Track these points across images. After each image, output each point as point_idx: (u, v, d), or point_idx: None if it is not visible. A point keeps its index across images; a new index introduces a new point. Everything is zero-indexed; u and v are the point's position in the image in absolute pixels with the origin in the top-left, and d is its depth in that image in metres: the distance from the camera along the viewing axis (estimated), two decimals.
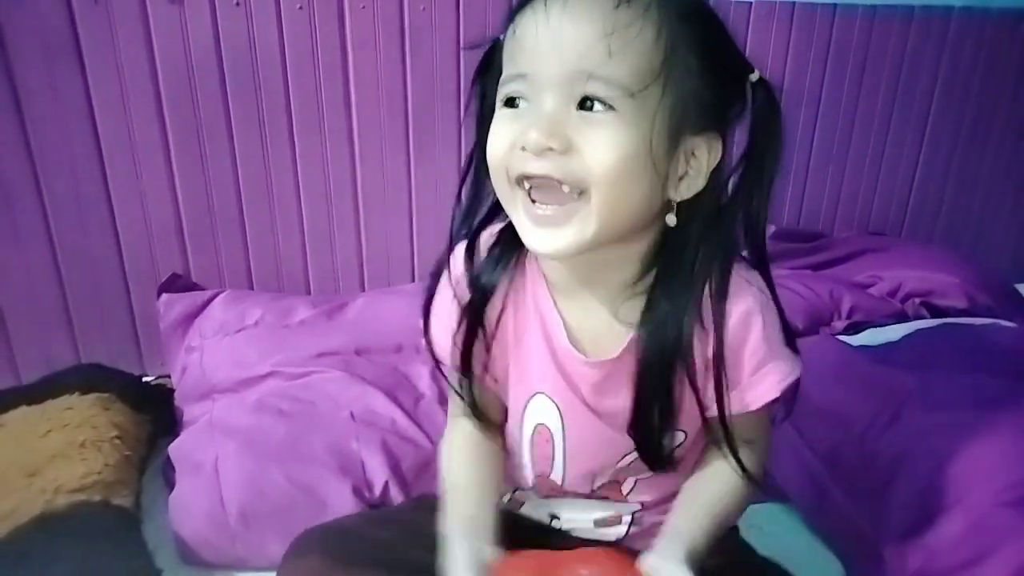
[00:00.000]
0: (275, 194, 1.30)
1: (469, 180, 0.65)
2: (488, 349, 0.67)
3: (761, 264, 0.65)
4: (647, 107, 0.55)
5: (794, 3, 1.46)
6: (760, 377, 0.64)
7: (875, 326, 1.28)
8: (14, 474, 0.86)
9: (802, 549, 0.94)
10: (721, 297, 0.61)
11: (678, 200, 0.60)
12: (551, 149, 0.55)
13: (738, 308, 0.62)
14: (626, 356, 0.63)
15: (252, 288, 1.35)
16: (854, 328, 1.29)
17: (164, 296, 1.26)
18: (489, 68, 0.63)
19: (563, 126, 0.55)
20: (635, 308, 0.63)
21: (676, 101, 0.56)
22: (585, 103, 0.55)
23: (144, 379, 1.22)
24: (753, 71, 0.60)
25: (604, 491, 0.70)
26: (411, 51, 1.27)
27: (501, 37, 0.61)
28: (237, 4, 1.18)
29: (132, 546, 0.81)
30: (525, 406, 0.68)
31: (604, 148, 0.55)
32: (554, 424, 0.67)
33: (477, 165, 0.64)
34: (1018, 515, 0.82)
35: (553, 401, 0.66)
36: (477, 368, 0.67)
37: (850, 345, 1.15)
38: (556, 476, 0.69)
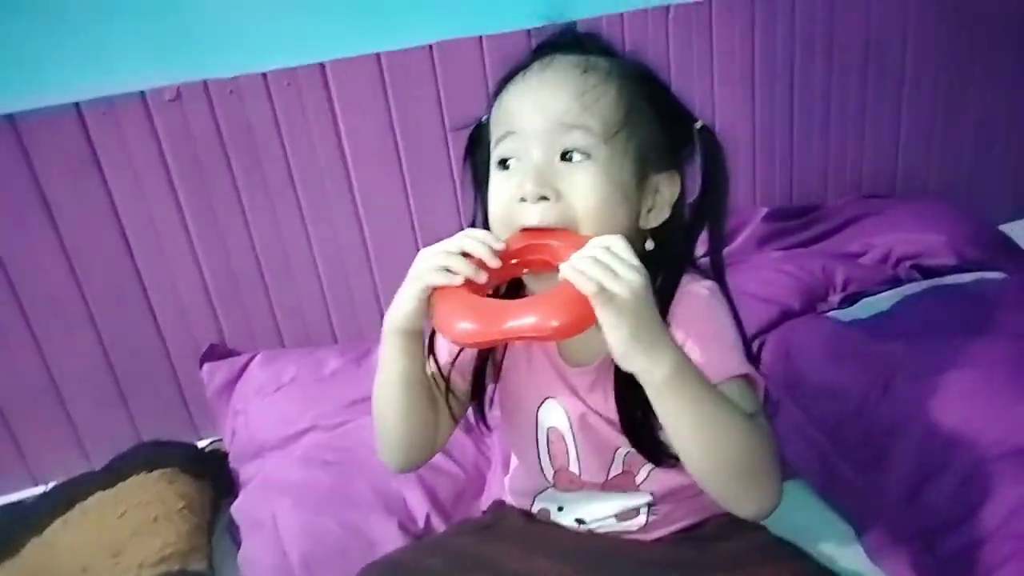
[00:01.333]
0: (291, 255, 1.40)
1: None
2: (498, 369, 0.80)
3: (719, 277, 0.75)
4: (617, 151, 0.67)
5: None
6: None
7: (869, 295, 1.33)
8: (102, 556, 0.96)
9: (817, 520, 1.00)
10: (665, 304, 0.70)
11: (648, 228, 0.71)
12: (545, 198, 0.66)
13: (682, 313, 0.70)
14: (606, 363, 0.72)
15: (283, 344, 1.44)
16: (849, 300, 1.33)
17: (206, 366, 1.35)
18: (476, 145, 0.77)
19: (551, 176, 0.67)
20: None
21: (639, 144, 0.69)
22: (566, 155, 0.67)
23: (199, 444, 1.32)
24: (697, 120, 0.72)
25: (618, 481, 0.79)
26: (395, 105, 1.36)
27: (484, 119, 0.75)
28: (231, 92, 1.28)
29: None
30: (538, 409, 0.78)
31: (587, 190, 0.67)
32: (563, 423, 0.78)
33: (483, 221, 0.75)
34: (1003, 469, 0.88)
35: (559, 403, 0.77)
36: (488, 386, 0.80)
37: (841, 321, 1.21)
38: (574, 467, 0.79)
